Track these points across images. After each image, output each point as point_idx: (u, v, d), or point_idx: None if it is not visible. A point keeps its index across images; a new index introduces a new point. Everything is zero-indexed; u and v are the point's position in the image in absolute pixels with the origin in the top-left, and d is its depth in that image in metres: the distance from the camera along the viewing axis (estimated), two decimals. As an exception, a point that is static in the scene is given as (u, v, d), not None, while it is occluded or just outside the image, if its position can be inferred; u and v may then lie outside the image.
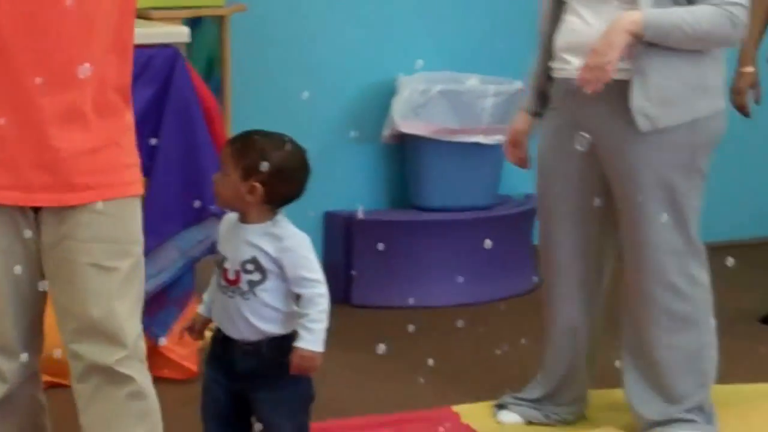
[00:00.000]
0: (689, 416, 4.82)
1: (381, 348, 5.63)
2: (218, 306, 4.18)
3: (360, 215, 6.62)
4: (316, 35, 6.72)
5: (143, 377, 3.70)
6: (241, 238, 4.11)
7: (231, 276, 4.08)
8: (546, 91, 4.92)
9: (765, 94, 6.21)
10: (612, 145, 4.71)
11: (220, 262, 4.14)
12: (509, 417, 5.03)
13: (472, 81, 6.01)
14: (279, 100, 6.62)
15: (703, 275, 4.86)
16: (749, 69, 5.96)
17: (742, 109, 6.01)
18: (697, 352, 4.85)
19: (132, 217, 3.63)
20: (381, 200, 6.90)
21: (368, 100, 6.88)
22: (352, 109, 6.89)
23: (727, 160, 7.60)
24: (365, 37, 6.85)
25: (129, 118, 3.63)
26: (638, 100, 4.60)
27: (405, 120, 6.49)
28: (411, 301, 6.28)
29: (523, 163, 5.05)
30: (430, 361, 5.40)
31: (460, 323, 5.96)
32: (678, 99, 4.67)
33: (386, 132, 6.60)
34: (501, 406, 5.06)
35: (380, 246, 6.38)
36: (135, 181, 3.67)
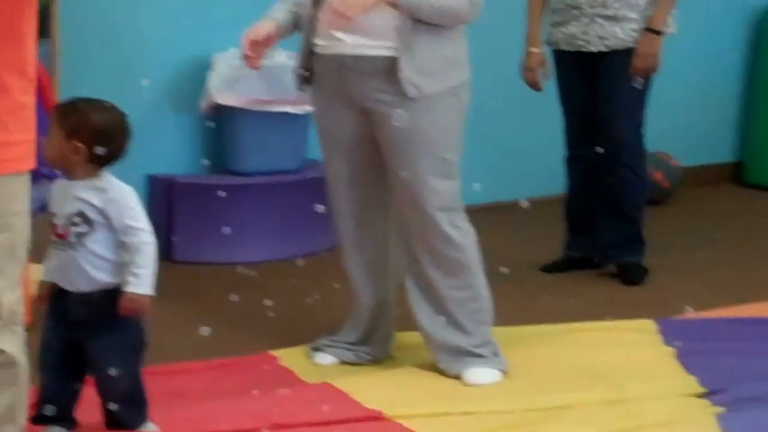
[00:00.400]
0: (479, 351, 4.92)
1: (203, 300, 5.72)
2: (53, 263, 4.13)
3: (179, 179, 6.68)
4: (140, 11, 6.63)
5: (14, 345, 3.62)
6: (68, 194, 4.12)
7: (60, 230, 4.08)
8: (312, 67, 4.98)
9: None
10: (384, 113, 4.77)
11: (51, 220, 4.12)
12: (324, 359, 5.08)
13: (281, 57, 6.03)
14: (106, 71, 6.53)
15: (468, 226, 4.96)
16: (536, 50, 6.15)
17: (534, 85, 6.23)
18: (473, 292, 4.94)
19: (9, 192, 3.55)
20: (200, 165, 6.83)
21: (187, 73, 6.82)
22: (173, 80, 6.81)
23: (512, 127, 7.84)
24: (184, 15, 6.78)
25: (21, 97, 3.54)
26: (406, 72, 4.69)
27: (220, 92, 6.50)
28: (228, 257, 6.46)
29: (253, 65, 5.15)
30: (248, 311, 5.58)
31: (274, 277, 6.16)
32: (438, 70, 4.78)
33: (203, 103, 6.59)
34: (316, 349, 5.12)
35: (198, 207, 6.51)
36: (16, 158, 3.58)
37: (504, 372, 4.92)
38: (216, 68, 6.60)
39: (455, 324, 4.95)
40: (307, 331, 5.33)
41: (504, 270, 5.45)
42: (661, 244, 7.05)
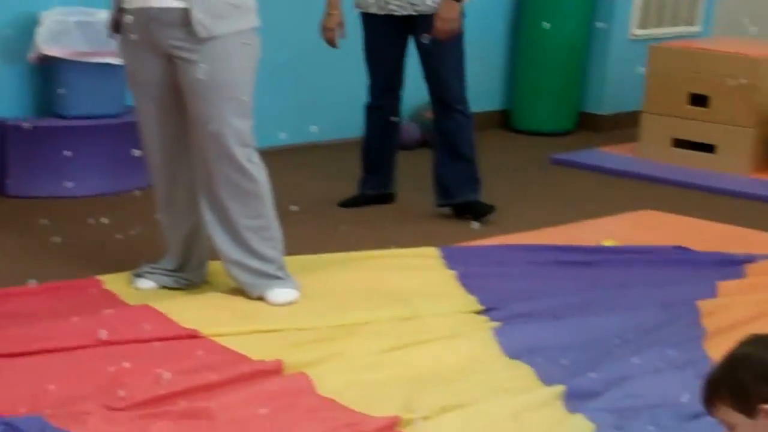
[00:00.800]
0: (277, 273, 4.99)
1: (34, 231, 5.69)
2: None
3: (11, 122, 6.59)
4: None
5: None
6: None
7: None
8: (121, 19, 4.95)
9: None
10: (185, 58, 4.80)
11: None
12: (145, 284, 5.06)
13: (101, 14, 6.02)
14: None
15: (260, 162, 4.97)
16: (335, 12, 6.30)
17: (331, 43, 6.38)
18: (265, 221, 4.99)
19: None
20: (30, 110, 6.79)
21: (17, 27, 6.66)
22: (3, 34, 6.64)
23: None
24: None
25: None
26: (197, 15, 4.73)
27: (46, 45, 6.46)
28: (57, 192, 6.42)
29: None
30: (77, 241, 5.59)
31: (101, 210, 6.01)
32: (226, 15, 4.80)
33: (31, 54, 6.54)
34: (138, 275, 5.09)
35: (29, 148, 6.50)
36: None
37: (299, 292, 4.98)
38: (43, 23, 6.52)
39: (252, 251, 4.98)
40: (130, 260, 5.25)
41: (294, 208, 5.46)
42: None
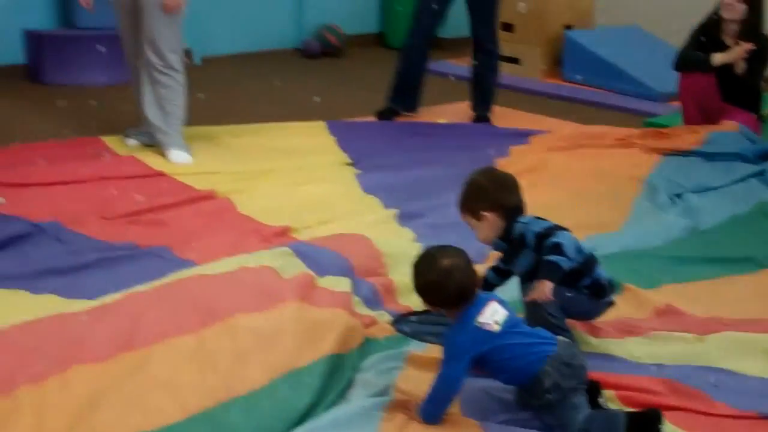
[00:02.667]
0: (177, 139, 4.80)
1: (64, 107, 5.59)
2: None
3: (43, 32, 6.46)
4: None
5: None
6: None
7: None
8: None
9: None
10: None
11: None
12: (131, 142, 4.98)
13: None
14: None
15: (181, 63, 4.77)
16: None
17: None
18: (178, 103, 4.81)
19: None
20: (56, 23, 6.64)
21: None
22: None
23: None
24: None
25: None
26: None
27: None
28: (75, 81, 6.32)
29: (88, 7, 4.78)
30: (90, 116, 5.52)
31: (103, 93, 6.00)
32: None
33: None
34: (127, 136, 5.00)
35: (56, 49, 6.37)
36: None
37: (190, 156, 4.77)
38: None
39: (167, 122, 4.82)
40: (122, 126, 5.17)
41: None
42: (341, 80, 7.05)
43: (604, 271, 3.02)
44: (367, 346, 2.95)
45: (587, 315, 3.07)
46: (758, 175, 4.96)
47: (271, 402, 2.57)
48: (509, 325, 2.54)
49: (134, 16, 4.79)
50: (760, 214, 4.45)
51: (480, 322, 2.52)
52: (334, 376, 2.75)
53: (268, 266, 3.06)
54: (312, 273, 3.12)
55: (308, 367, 2.70)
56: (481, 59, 5.96)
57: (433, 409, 2.56)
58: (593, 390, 2.61)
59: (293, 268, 3.13)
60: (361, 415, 2.55)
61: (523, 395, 2.60)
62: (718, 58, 5.43)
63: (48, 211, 3.87)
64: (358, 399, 2.69)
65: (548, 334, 2.61)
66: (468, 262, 2.58)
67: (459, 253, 2.59)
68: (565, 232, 2.90)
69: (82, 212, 3.91)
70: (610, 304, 3.08)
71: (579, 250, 2.94)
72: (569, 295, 2.89)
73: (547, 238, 2.85)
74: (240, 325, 2.74)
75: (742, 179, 4.88)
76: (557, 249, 2.82)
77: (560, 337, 2.62)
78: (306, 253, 3.25)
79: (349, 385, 2.78)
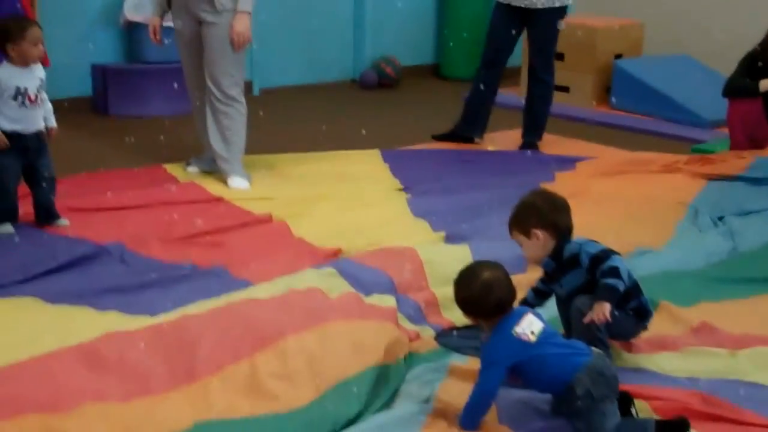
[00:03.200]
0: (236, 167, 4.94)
1: (131, 141, 5.64)
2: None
3: (110, 66, 6.61)
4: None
5: None
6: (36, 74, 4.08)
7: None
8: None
9: None
10: (207, 20, 4.77)
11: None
12: (192, 169, 5.12)
13: None
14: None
15: (242, 95, 4.90)
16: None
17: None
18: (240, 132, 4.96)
19: None
20: (123, 58, 6.79)
21: (111, 2, 6.66)
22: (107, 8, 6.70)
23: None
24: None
25: None
26: None
27: (131, 14, 6.48)
28: (139, 112, 6.40)
29: (158, 42, 4.97)
30: (149, 143, 5.62)
31: (166, 124, 5.99)
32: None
33: (121, 19, 6.55)
34: (188, 164, 5.17)
35: (125, 83, 6.42)
36: None
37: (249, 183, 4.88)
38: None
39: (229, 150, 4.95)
40: (184, 155, 5.31)
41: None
42: (397, 109, 7.20)
43: (646, 299, 3.14)
44: (411, 359, 3.07)
45: (626, 335, 3.19)
46: (805, 198, 4.91)
47: (320, 412, 2.69)
48: (545, 336, 2.66)
49: (197, 50, 4.95)
50: (803, 236, 4.34)
51: (517, 333, 2.64)
52: (381, 386, 2.86)
53: (316, 287, 3.19)
54: (357, 293, 3.24)
55: (356, 377, 2.82)
56: (535, 88, 6.04)
57: (471, 416, 2.67)
58: (625, 400, 2.71)
59: (339, 288, 3.26)
60: (405, 420, 2.67)
61: (556, 403, 2.71)
62: (765, 84, 5.49)
63: (113, 234, 4.03)
64: (401, 407, 2.80)
65: (583, 345, 2.72)
66: (507, 276, 2.72)
67: (498, 267, 2.73)
68: (618, 256, 2.97)
69: (145, 235, 4.07)
70: (645, 328, 3.20)
71: (629, 274, 3.04)
72: (617, 314, 2.99)
73: (603, 261, 2.93)
74: (290, 346, 2.85)
75: None
76: (615, 272, 2.90)
77: (594, 349, 2.72)
78: (349, 271, 3.37)
79: (395, 394, 2.90)
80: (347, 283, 3.30)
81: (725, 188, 5.07)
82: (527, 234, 3.02)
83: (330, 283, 3.28)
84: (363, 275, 3.38)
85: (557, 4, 5.70)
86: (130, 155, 5.51)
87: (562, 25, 5.83)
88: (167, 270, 3.71)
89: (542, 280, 3.16)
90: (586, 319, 2.91)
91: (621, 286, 2.91)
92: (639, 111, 7.26)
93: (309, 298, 3.14)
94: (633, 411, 2.73)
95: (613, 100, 7.47)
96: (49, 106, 4.20)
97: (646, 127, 6.95)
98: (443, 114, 6.32)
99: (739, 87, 5.65)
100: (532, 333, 2.64)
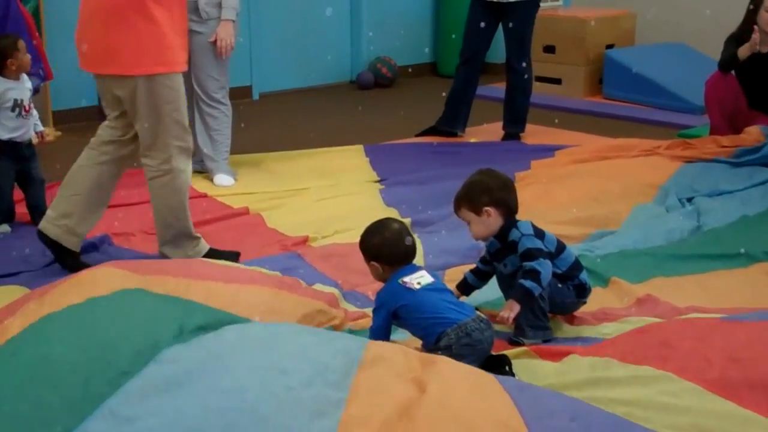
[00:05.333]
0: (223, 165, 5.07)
1: None
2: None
3: None
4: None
5: None
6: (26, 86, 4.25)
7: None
8: None
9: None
10: (194, 30, 4.83)
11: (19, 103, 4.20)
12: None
13: None
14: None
15: (227, 98, 4.99)
16: None
17: None
18: (225, 133, 5.06)
19: None
20: None
21: None
22: None
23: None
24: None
25: None
26: (202, 5, 4.82)
27: None
28: None
29: None
30: None
31: None
32: (222, 2, 4.86)
33: None
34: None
35: None
36: None
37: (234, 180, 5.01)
38: None
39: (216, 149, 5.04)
40: None
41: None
42: (390, 108, 7.15)
43: (586, 276, 3.25)
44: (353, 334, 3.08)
45: (565, 309, 3.30)
46: (779, 178, 4.94)
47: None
48: (432, 288, 2.82)
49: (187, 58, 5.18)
50: (770, 214, 4.36)
51: (403, 281, 2.82)
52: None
53: (258, 269, 3.36)
54: (298, 279, 3.37)
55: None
56: (513, 81, 6.15)
57: None
58: (500, 362, 2.80)
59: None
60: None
61: (425, 350, 2.82)
62: (742, 51, 5.48)
63: (101, 229, 4.21)
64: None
65: (469, 307, 2.86)
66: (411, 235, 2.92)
67: (404, 224, 2.95)
68: (545, 261, 3.00)
69: (130, 230, 4.28)
70: (584, 302, 3.31)
71: (569, 253, 3.17)
72: (560, 286, 3.13)
73: (530, 260, 2.99)
74: (214, 287, 2.86)
75: (762, 183, 4.87)
76: (535, 275, 2.97)
77: (479, 314, 2.86)
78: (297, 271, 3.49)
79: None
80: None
81: (700, 170, 5.11)
82: (478, 212, 3.09)
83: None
84: (308, 275, 3.49)
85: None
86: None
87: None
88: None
89: (483, 260, 3.25)
90: (500, 314, 3.03)
91: (536, 291, 2.98)
92: (631, 100, 7.36)
93: (248, 270, 3.29)
94: (506, 369, 2.82)
95: (605, 89, 7.56)
96: (36, 113, 4.43)
97: (638, 115, 7.03)
98: (439, 111, 6.40)
99: (725, 60, 5.60)
100: (418, 283, 2.80)
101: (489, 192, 3.05)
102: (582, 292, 3.23)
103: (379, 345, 2.42)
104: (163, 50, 3.49)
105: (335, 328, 3.06)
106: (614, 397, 2.43)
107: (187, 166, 3.67)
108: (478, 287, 3.28)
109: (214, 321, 2.47)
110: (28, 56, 4.37)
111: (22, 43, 4.33)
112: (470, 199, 3.09)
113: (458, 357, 2.66)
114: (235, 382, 2.07)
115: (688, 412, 2.32)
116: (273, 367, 2.13)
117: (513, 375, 2.77)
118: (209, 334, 2.34)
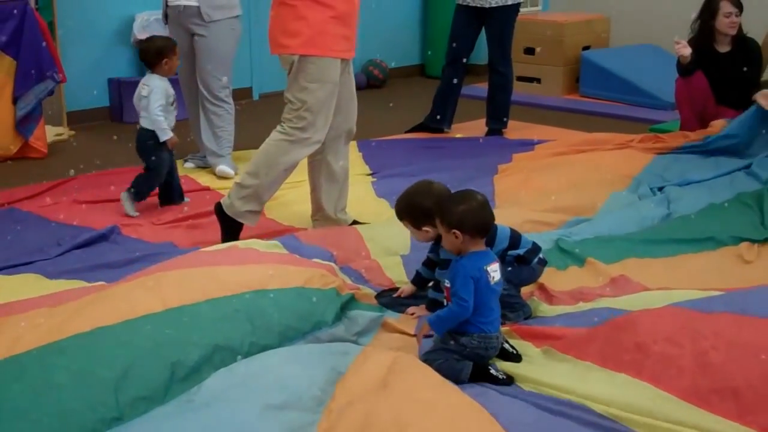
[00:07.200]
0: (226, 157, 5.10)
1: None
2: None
3: (123, 79, 6.58)
4: None
5: None
6: None
7: None
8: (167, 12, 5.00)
9: None
10: (198, 33, 4.91)
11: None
12: (188, 164, 5.28)
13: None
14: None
15: (230, 97, 5.01)
16: None
17: None
18: (228, 129, 5.08)
19: None
20: (134, 71, 6.76)
21: (122, 24, 6.76)
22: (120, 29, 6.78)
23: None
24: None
25: None
26: (203, 8, 4.90)
27: (139, 32, 6.53)
28: None
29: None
30: None
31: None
32: (220, 7, 4.94)
33: (132, 38, 6.65)
34: (185, 160, 5.27)
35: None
36: None
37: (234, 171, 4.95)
38: (137, 20, 6.65)
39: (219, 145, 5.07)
40: (182, 152, 5.25)
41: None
42: (382, 107, 7.08)
43: (528, 244, 3.21)
44: (351, 304, 3.09)
45: (529, 279, 3.30)
46: (745, 168, 4.91)
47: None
48: (497, 287, 2.72)
49: (191, 59, 5.15)
50: (737, 202, 4.40)
51: (487, 269, 2.68)
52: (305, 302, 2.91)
53: (253, 248, 3.36)
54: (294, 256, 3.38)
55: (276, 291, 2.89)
56: (494, 80, 6.15)
57: (444, 323, 2.70)
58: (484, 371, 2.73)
59: (277, 250, 3.40)
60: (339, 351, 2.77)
61: (442, 337, 2.76)
62: (680, 50, 5.50)
63: (111, 221, 4.24)
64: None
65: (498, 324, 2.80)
66: None
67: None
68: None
69: (138, 220, 4.30)
70: (544, 263, 3.29)
71: (524, 240, 3.17)
72: (509, 269, 3.10)
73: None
74: (219, 272, 2.98)
75: (729, 173, 4.86)
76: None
77: (501, 329, 2.80)
78: (292, 245, 3.48)
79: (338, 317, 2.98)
80: (287, 252, 3.42)
81: (670, 161, 5.12)
82: (418, 228, 3.08)
83: (271, 250, 3.40)
84: (304, 250, 3.47)
85: (510, 2, 5.81)
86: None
87: None
88: (151, 249, 3.90)
89: (432, 250, 3.19)
90: (418, 333, 2.94)
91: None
92: (605, 97, 7.37)
93: (245, 251, 3.29)
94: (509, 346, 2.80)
95: (582, 88, 7.57)
96: None
97: (612, 111, 7.05)
98: (427, 109, 6.36)
99: (678, 69, 5.66)
100: (494, 279, 2.69)
101: (428, 215, 2.96)
102: (523, 259, 3.21)
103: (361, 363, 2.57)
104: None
105: (338, 289, 3.07)
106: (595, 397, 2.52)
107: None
108: (432, 279, 3.19)
109: (210, 352, 2.58)
110: (178, 62, 4.42)
111: (177, 49, 4.40)
112: (411, 216, 3.08)
113: (465, 357, 2.67)
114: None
115: (666, 419, 2.39)
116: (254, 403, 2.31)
117: (514, 350, 2.78)
118: (194, 388, 2.46)
